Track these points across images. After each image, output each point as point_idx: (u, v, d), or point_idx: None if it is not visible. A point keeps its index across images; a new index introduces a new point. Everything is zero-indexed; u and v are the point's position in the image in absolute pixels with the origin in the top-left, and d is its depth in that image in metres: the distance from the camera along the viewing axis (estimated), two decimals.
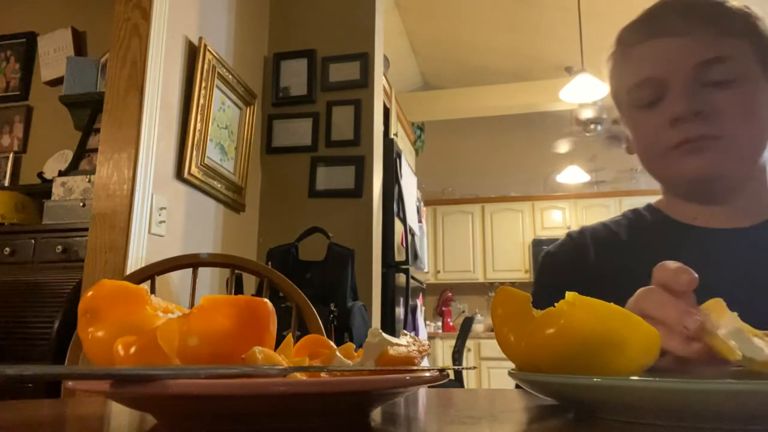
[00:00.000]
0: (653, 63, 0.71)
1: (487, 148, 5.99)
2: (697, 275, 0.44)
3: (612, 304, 0.38)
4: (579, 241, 0.82)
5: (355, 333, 1.98)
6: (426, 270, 4.54)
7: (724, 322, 0.42)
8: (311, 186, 2.45)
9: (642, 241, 0.78)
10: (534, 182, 6.48)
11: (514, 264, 6.00)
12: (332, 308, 1.96)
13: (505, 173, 6.49)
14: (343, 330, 1.97)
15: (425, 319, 4.66)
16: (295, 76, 2.57)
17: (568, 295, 0.39)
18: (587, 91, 3.72)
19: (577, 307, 0.38)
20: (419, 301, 3.58)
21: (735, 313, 0.43)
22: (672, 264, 0.46)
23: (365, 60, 2.51)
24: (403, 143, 3.95)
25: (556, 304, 0.39)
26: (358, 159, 2.43)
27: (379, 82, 2.60)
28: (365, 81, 2.50)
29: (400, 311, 2.84)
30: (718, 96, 0.67)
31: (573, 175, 5.78)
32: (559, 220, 6.07)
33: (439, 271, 6.10)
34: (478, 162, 6.28)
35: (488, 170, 6.41)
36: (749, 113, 0.68)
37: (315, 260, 2.11)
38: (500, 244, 6.07)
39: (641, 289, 0.48)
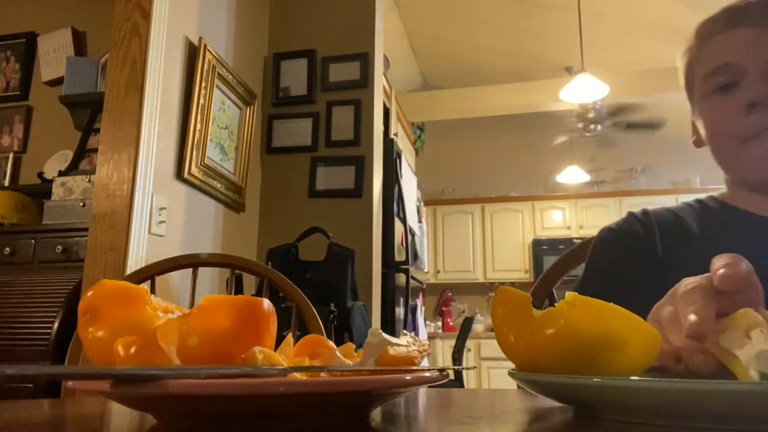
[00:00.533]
0: (732, 49, 0.72)
1: (487, 148, 5.99)
2: (739, 278, 0.41)
3: (612, 304, 0.38)
4: (646, 223, 0.78)
5: (355, 333, 1.98)
6: (426, 270, 4.54)
7: (752, 340, 0.37)
8: (311, 186, 2.45)
9: (717, 233, 0.75)
10: (534, 182, 6.48)
11: (514, 264, 6.00)
12: (332, 308, 1.96)
13: (505, 173, 6.49)
14: (343, 330, 1.97)
15: (425, 319, 4.66)
16: (295, 76, 2.57)
17: (568, 294, 0.39)
18: (587, 91, 3.71)
19: (577, 307, 0.38)
20: (419, 301, 3.58)
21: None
22: (719, 261, 0.42)
23: (365, 60, 2.51)
24: (403, 143, 3.95)
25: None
26: (358, 159, 2.43)
27: (379, 82, 2.60)
28: (365, 81, 2.50)
29: (400, 311, 2.84)
30: None
31: (573, 175, 5.78)
32: (559, 220, 6.06)
33: (439, 271, 6.10)
34: (478, 162, 6.28)
35: (488, 170, 6.41)
36: None
37: (315, 260, 2.11)
38: (500, 244, 6.06)
39: (684, 281, 0.44)
